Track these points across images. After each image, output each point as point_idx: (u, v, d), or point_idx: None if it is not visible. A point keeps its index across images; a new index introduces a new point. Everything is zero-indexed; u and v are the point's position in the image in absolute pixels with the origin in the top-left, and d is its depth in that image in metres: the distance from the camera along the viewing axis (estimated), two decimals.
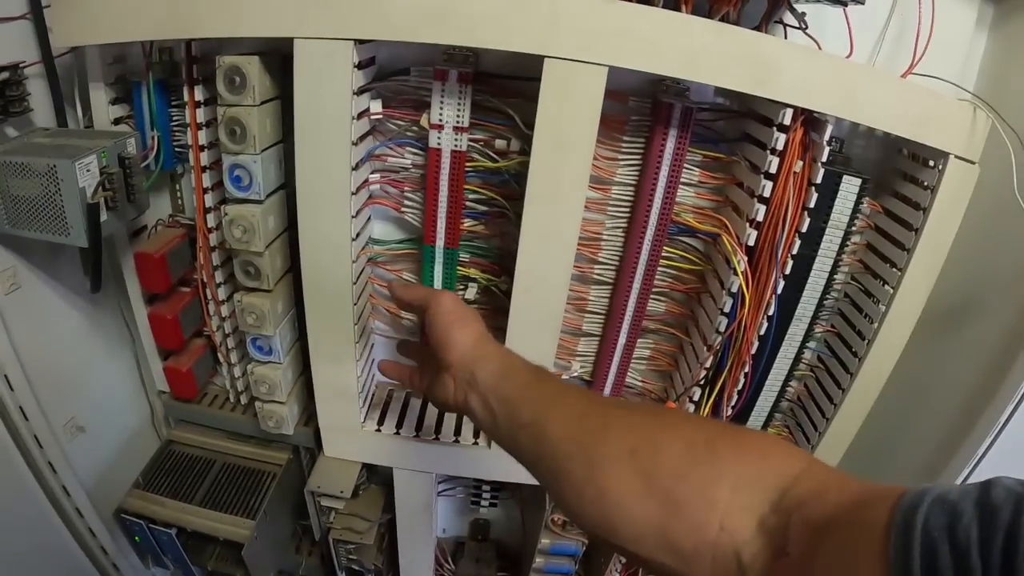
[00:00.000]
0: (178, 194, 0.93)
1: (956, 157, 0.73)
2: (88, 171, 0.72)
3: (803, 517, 0.37)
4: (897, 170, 0.83)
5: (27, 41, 0.79)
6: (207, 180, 0.83)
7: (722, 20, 0.68)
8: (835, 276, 0.85)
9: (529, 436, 0.53)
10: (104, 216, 0.75)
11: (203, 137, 0.81)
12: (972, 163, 0.74)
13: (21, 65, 0.77)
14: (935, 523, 0.28)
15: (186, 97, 0.80)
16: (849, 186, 0.79)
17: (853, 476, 0.39)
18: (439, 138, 0.78)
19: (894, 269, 0.81)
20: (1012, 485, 0.28)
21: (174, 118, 0.85)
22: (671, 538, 0.42)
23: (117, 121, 0.84)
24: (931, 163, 0.76)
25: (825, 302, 0.87)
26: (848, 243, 0.83)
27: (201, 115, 0.80)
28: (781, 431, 1.01)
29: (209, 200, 0.84)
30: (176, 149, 0.86)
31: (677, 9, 0.67)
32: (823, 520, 0.35)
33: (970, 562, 0.26)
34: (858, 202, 0.80)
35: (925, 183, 0.77)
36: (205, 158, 0.82)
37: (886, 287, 0.82)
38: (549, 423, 0.51)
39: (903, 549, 0.29)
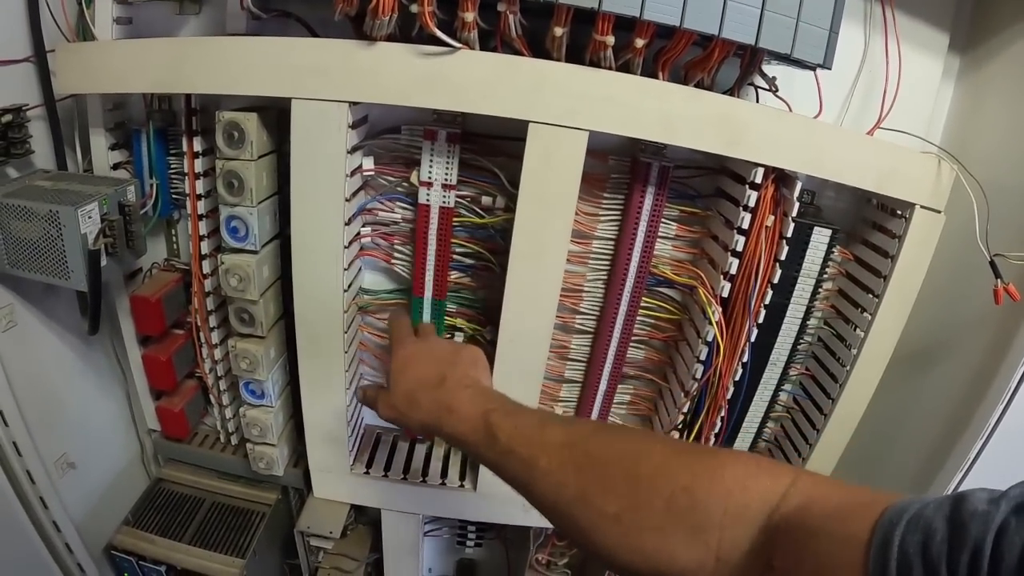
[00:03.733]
0: (174, 239, 0.95)
1: (922, 207, 0.77)
2: (90, 218, 0.74)
3: (787, 531, 0.38)
4: (866, 219, 0.87)
5: (30, 84, 0.81)
6: (203, 228, 0.85)
7: (697, 86, 0.72)
8: (808, 322, 0.89)
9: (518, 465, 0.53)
10: (104, 262, 0.77)
11: (200, 186, 0.83)
12: (937, 212, 0.78)
13: (24, 108, 0.79)
14: (911, 540, 0.31)
15: (185, 147, 0.82)
16: (820, 237, 0.83)
17: (840, 482, 0.41)
18: (428, 195, 0.81)
19: (865, 314, 0.84)
20: (980, 503, 0.31)
21: (172, 166, 0.87)
22: (668, 574, 0.44)
23: (116, 166, 0.86)
24: (898, 212, 0.80)
25: (799, 346, 0.91)
26: (820, 290, 0.87)
27: (199, 165, 0.82)
28: None
29: (205, 247, 0.86)
30: (173, 196, 0.89)
31: (654, 76, 0.71)
32: (806, 532, 0.37)
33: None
34: (829, 251, 0.84)
35: (893, 232, 0.80)
36: (202, 206, 0.84)
37: (857, 331, 0.85)
38: (538, 465, 0.51)
39: (881, 566, 0.31)
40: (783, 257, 0.79)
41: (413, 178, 0.81)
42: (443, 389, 0.63)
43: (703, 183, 0.85)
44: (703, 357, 0.84)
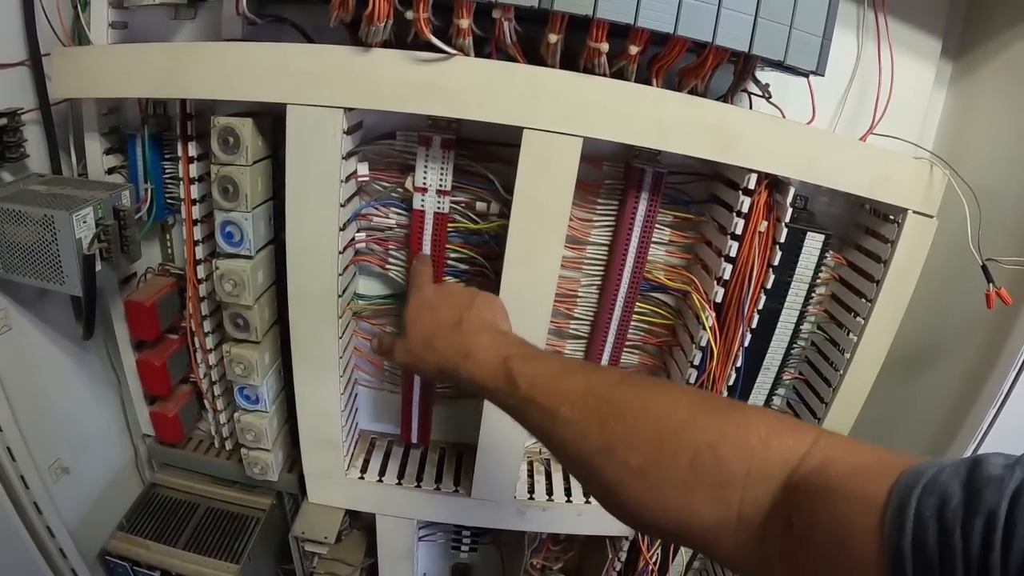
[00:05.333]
0: (168, 244, 0.95)
1: (914, 212, 0.77)
2: (85, 223, 0.74)
3: (806, 491, 0.38)
4: (859, 224, 0.87)
5: (25, 87, 0.81)
6: (198, 233, 0.84)
7: (690, 92, 0.72)
8: (801, 326, 0.89)
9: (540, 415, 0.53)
10: (99, 266, 0.77)
11: (195, 191, 0.83)
12: (930, 217, 0.78)
13: (19, 112, 0.79)
14: (927, 503, 0.31)
15: (180, 152, 0.82)
16: (813, 242, 0.83)
17: (860, 443, 0.40)
18: (423, 200, 0.81)
19: (858, 318, 0.84)
20: (995, 468, 0.31)
21: (167, 171, 0.87)
22: (692, 534, 0.44)
23: (111, 171, 0.86)
24: (891, 217, 0.80)
25: (792, 351, 0.91)
26: (813, 295, 0.87)
27: (194, 170, 0.82)
28: None
29: (200, 252, 0.85)
30: (168, 201, 0.89)
31: (648, 83, 0.71)
32: (825, 492, 0.37)
33: (953, 540, 0.29)
34: (822, 256, 0.84)
35: (886, 236, 0.81)
36: (197, 211, 0.84)
37: (851, 335, 0.85)
38: (559, 418, 0.51)
39: (897, 528, 0.31)
40: (776, 262, 0.79)
41: (408, 184, 0.80)
42: (460, 332, 0.63)
43: (697, 189, 0.86)
44: (697, 362, 0.84)
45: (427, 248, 0.84)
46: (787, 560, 0.39)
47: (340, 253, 0.78)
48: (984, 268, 0.72)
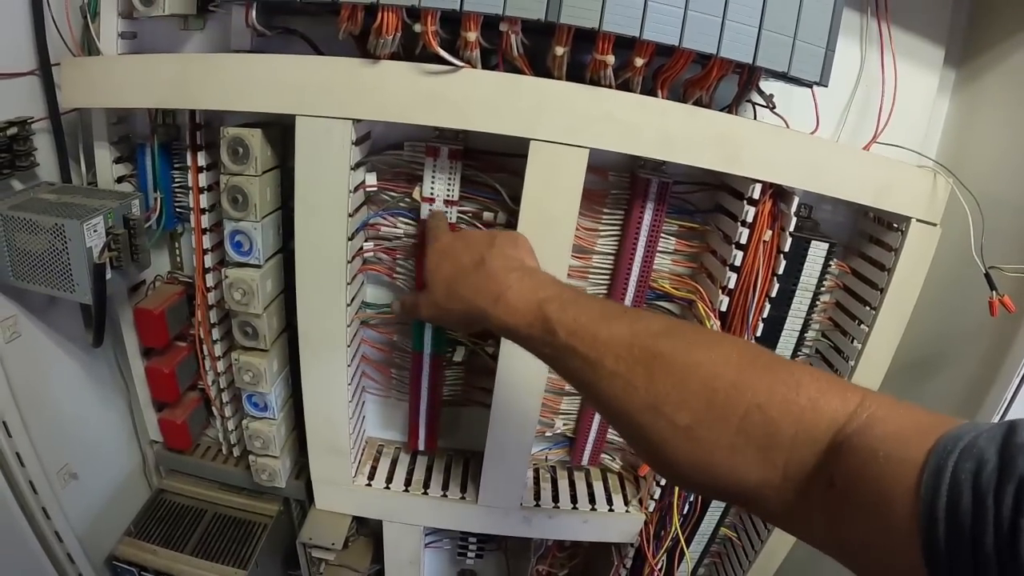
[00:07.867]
0: (177, 252, 0.95)
1: (918, 220, 0.78)
2: (95, 231, 0.75)
3: (849, 451, 0.38)
4: (863, 232, 0.88)
5: (35, 97, 0.82)
6: (207, 241, 0.85)
7: (696, 103, 0.73)
8: (806, 334, 0.89)
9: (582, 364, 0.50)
10: (109, 275, 0.77)
11: (204, 200, 0.84)
12: (933, 225, 0.78)
13: (29, 121, 0.80)
14: (963, 468, 0.32)
15: (189, 162, 0.83)
16: (817, 250, 0.83)
17: (903, 404, 0.40)
18: (430, 210, 0.81)
19: (862, 326, 0.84)
20: None
21: (176, 180, 0.88)
22: (736, 493, 0.44)
23: (120, 179, 0.86)
24: (895, 226, 0.81)
25: (797, 359, 0.91)
26: (818, 303, 0.87)
27: (203, 179, 0.83)
28: None
29: (208, 261, 0.86)
30: (177, 210, 0.89)
31: (654, 94, 0.71)
32: (866, 453, 0.37)
33: (985, 504, 0.30)
34: (826, 264, 0.84)
35: (890, 245, 0.81)
36: (206, 220, 0.84)
37: (855, 343, 0.86)
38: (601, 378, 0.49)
39: (932, 490, 0.32)
40: (781, 271, 0.80)
41: (415, 194, 0.81)
42: (483, 273, 0.59)
43: (702, 198, 0.86)
44: None
45: None
46: (827, 516, 0.39)
47: (348, 262, 0.79)
48: (987, 276, 0.72)
